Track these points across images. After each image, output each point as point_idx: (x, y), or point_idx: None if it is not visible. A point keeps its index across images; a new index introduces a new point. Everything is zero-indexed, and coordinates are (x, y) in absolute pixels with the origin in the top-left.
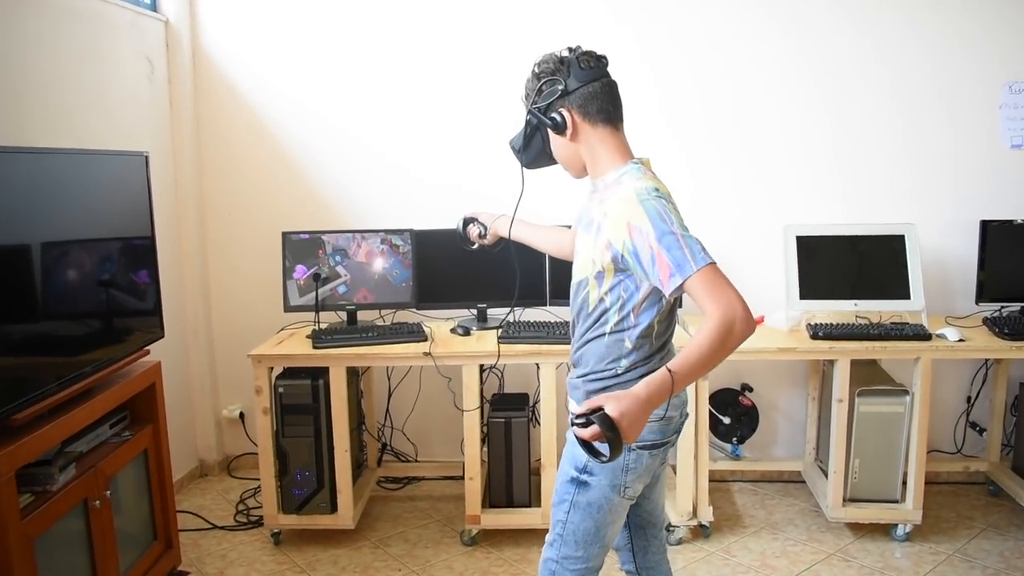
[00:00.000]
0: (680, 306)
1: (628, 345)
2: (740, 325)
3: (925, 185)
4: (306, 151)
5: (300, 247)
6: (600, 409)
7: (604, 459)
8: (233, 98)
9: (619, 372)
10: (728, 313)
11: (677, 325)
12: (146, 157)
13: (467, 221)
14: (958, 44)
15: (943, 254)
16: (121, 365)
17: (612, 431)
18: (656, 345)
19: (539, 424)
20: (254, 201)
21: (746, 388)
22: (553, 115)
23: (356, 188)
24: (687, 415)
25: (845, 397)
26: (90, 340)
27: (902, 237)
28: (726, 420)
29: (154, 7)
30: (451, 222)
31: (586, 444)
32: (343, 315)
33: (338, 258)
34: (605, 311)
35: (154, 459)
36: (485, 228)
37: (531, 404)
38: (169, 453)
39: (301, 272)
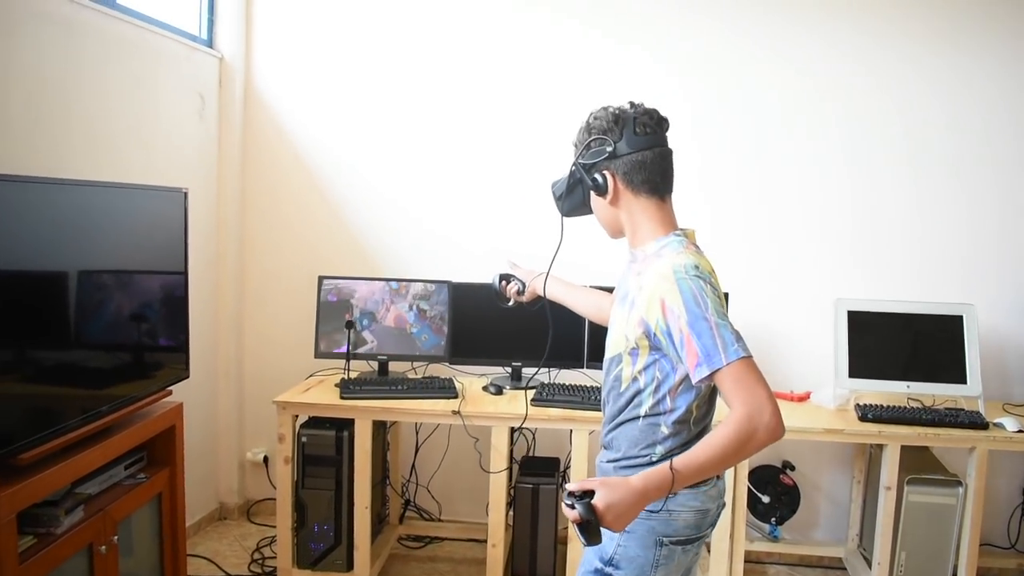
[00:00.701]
0: None
1: (664, 431)
2: (764, 433)
3: (985, 264)
4: (348, 198)
5: (331, 304)
6: (591, 493)
7: (583, 543)
8: (281, 140)
9: (653, 460)
10: (754, 417)
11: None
12: (185, 193)
13: (504, 277)
14: (1015, 113)
15: (1002, 337)
16: (142, 404)
17: (593, 521)
18: (695, 431)
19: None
20: (293, 243)
21: (787, 466)
22: (596, 175)
23: (394, 238)
24: (724, 505)
25: (894, 485)
26: (112, 375)
27: (960, 318)
28: (765, 499)
29: (210, 43)
30: (489, 276)
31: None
32: (374, 364)
33: (365, 322)
34: (639, 392)
35: (168, 503)
36: (523, 285)
37: (562, 469)
38: (184, 498)
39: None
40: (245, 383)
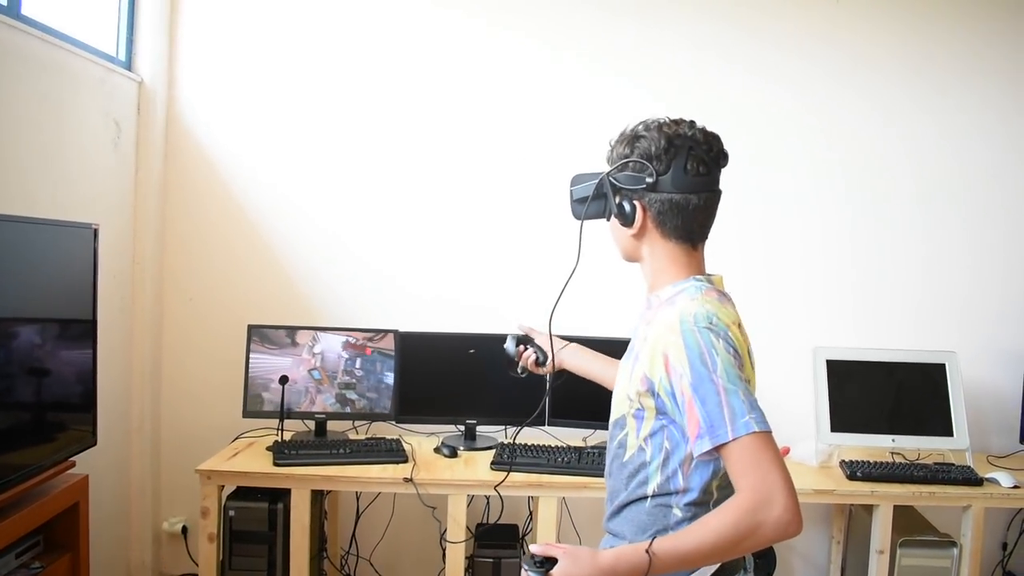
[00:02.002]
0: None
1: (677, 514)
2: (771, 529)
3: (963, 311)
4: (283, 237)
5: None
6: (553, 561)
7: None
8: (208, 172)
9: None
10: (760, 507)
11: None
12: (95, 230)
13: (520, 341)
14: (1004, 162)
15: (977, 384)
16: (39, 480)
17: None
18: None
19: None
20: (219, 287)
21: None
22: (624, 202)
23: (335, 282)
24: None
25: (887, 548)
26: (2, 442)
27: (943, 366)
28: None
29: (128, 65)
30: (439, 325)
31: None
32: (311, 424)
33: (300, 377)
34: (644, 465)
35: None
36: (544, 355)
37: (521, 536)
38: None
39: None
40: (162, 445)
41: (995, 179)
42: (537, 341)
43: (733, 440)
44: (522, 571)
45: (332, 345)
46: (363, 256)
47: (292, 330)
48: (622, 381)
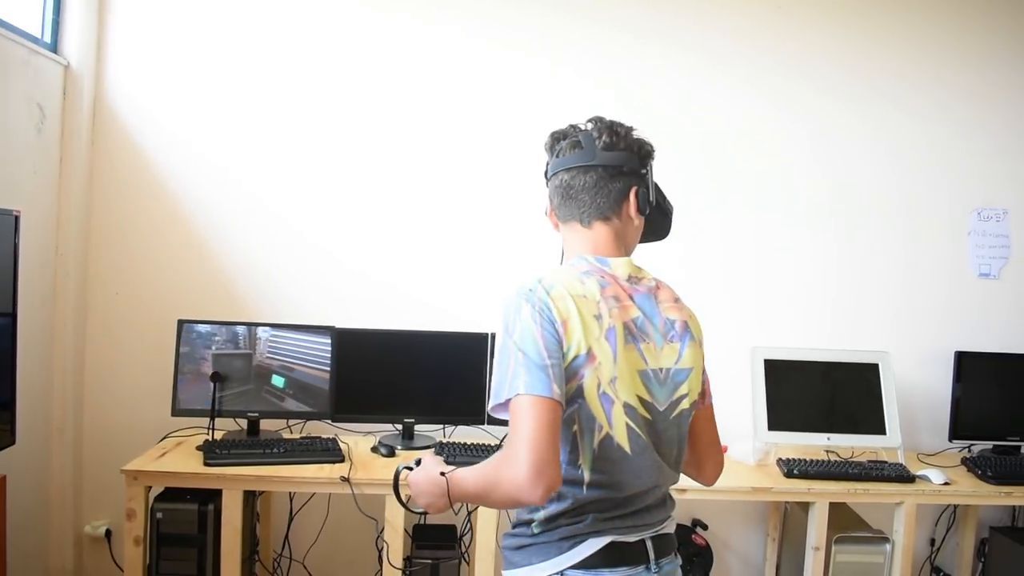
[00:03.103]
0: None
1: None
2: (507, 487)
3: (897, 313)
4: (215, 228)
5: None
6: (419, 463)
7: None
8: (136, 160)
9: (535, 531)
10: (505, 462)
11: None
12: (15, 217)
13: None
14: (932, 168)
15: (909, 384)
16: None
17: (395, 488)
18: (590, 497)
19: (469, 563)
20: (148, 280)
21: (699, 525)
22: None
23: (270, 278)
24: None
25: (823, 545)
26: None
27: (876, 366)
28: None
29: (54, 48)
30: (380, 322)
31: None
32: (243, 423)
33: (233, 374)
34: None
35: None
36: None
37: (459, 536)
38: None
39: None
40: (85, 444)
41: (927, 188)
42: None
43: (507, 400)
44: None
45: (265, 342)
46: (300, 250)
47: (224, 325)
48: None
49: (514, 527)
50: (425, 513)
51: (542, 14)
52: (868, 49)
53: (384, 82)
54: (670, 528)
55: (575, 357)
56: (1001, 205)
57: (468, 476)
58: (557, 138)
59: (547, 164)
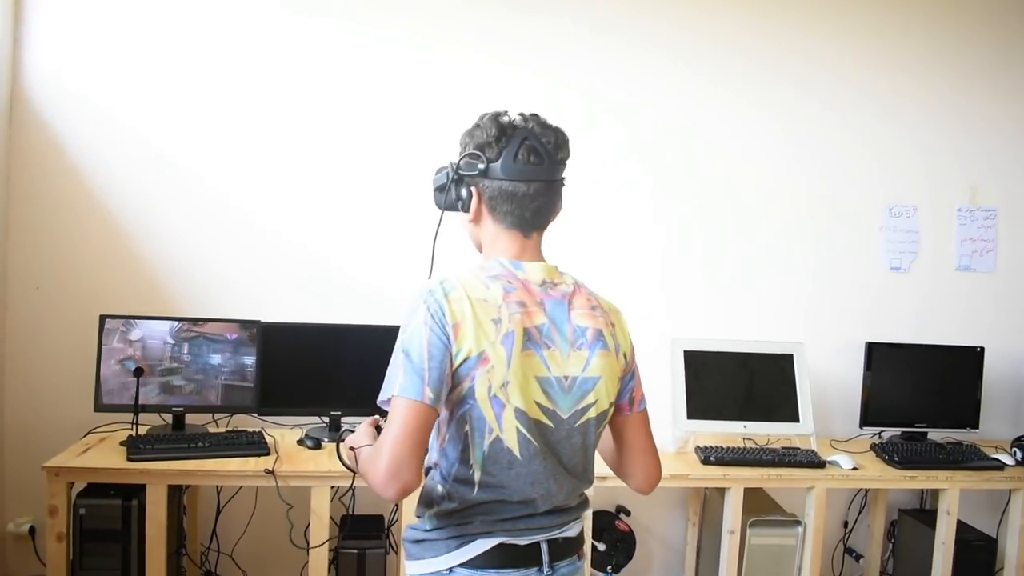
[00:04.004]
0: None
1: (439, 490)
2: (372, 480)
3: (810, 305)
4: (138, 222)
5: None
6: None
7: None
8: (56, 152)
9: (427, 527)
10: (373, 457)
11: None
12: None
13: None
14: (845, 164)
15: (823, 374)
16: None
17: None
18: (480, 499)
19: (396, 553)
20: (68, 273)
21: (622, 511)
22: (462, 188)
23: (193, 270)
24: None
25: (737, 528)
26: None
27: (791, 357)
28: (601, 546)
29: None
30: (307, 315)
31: None
32: (168, 417)
33: (156, 368)
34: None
35: None
36: None
37: (387, 527)
38: None
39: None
40: (5, 440)
41: (842, 184)
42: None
43: (388, 399)
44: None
45: (189, 336)
46: (223, 244)
47: (147, 320)
48: None
49: (415, 519)
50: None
51: (492, 10)
52: (790, 41)
53: (306, 67)
54: (572, 531)
55: (465, 359)
56: (911, 202)
57: (363, 454)
58: (503, 132)
59: (483, 152)
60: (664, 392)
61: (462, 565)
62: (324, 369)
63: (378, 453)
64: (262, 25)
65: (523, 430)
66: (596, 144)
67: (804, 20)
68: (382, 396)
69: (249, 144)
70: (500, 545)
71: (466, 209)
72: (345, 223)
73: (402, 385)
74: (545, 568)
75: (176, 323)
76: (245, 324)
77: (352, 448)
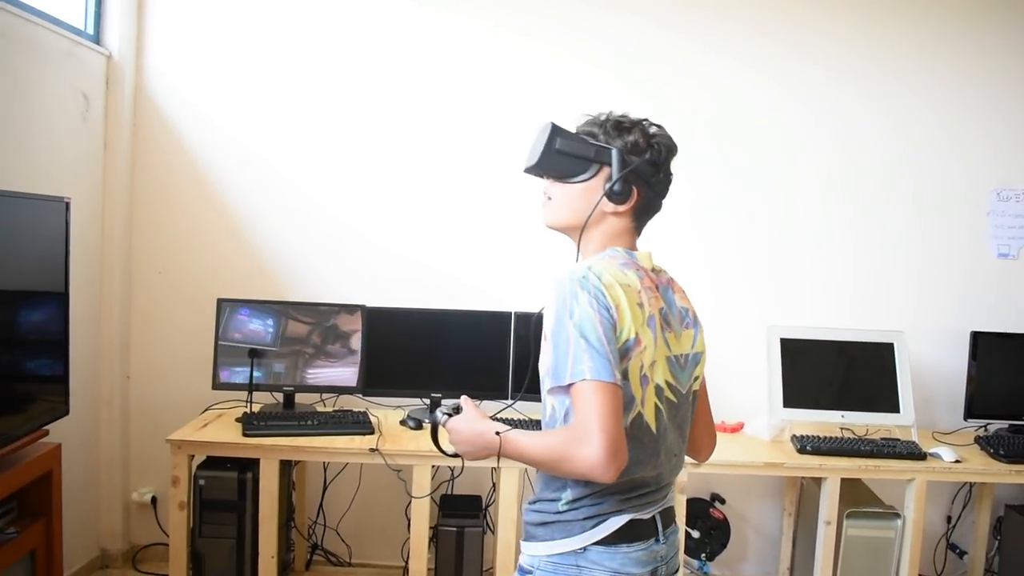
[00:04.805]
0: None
1: None
2: (580, 464)
3: (913, 292)
4: (252, 212)
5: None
6: (458, 410)
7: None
8: (176, 146)
9: (560, 509)
10: (572, 444)
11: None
12: (67, 203)
13: (454, 410)
14: (949, 148)
15: (926, 364)
16: (12, 448)
17: (438, 430)
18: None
19: (493, 533)
20: (188, 261)
21: (717, 499)
22: (622, 181)
23: (303, 258)
24: (673, 570)
25: (834, 519)
26: None
27: (891, 345)
28: (695, 534)
29: (97, 39)
30: (408, 300)
31: None
32: (279, 396)
33: (269, 350)
34: (553, 420)
35: (43, 560)
36: None
37: (484, 507)
38: (62, 552)
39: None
40: (131, 416)
41: (949, 168)
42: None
43: (569, 383)
44: (434, 413)
45: (299, 320)
46: (332, 232)
47: (261, 304)
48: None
49: (534, 502)
50: (457, 456)
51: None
52: (881, 35)
53: (414, 68)
54: (673, 501)
55: (625, 341)
56: (1021, 185)
57: (526, 443)
58: (670, 154)
59: (657, 167)
60: (760, 380)
61: (596, 544)
62: (425, 352)
63: (587, 439)
64: (361, 26)
65: (660, 406)
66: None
67: (908, 10)
68: (558, 382)
69: (354, 137)
70: (630, 521)
71: (622, 201)
72: (445, 214)
73: (593, 369)
74: (661, 537)
75: (286, 306)
76: (350, 308)
77: (498, 433)
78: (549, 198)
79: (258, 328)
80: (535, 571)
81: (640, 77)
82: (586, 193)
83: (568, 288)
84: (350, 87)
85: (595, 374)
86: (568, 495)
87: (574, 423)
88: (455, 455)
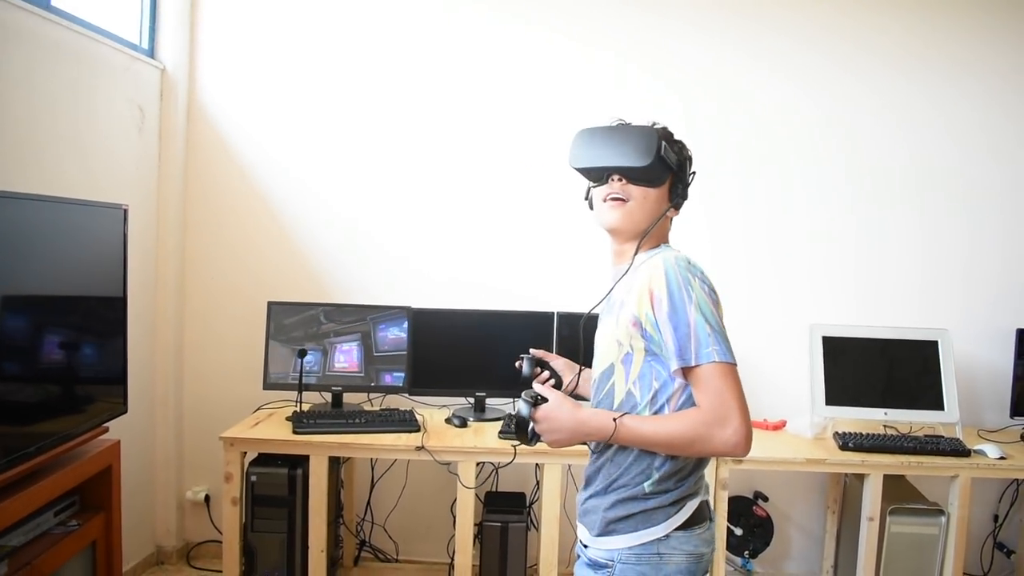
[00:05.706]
0: None
1: (661, 455)
2: (720, 445)
3: (957, 290)
4: (300, 219)
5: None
6: (541, 399)
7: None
8: (226, 156)
9: (646, 492)
10: (712, 425)
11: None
12: (125, 210)
13: (537, 363)
14: (994, 146)
15: (972, 362)
16: (74, 444)
17: (526, 422)
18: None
19: (537, 529)
20: (239, 266)
21: (760, 497)
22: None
23: (350, 262)
24: (715, 549)
25: (877, 515)
26: (41, 411)
27: (935, 343)
28: (738, 531)
29: (151, 53)
30: (449, 302)
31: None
32: (328, 396)
33: (318, 351)
34: (635, 407)
35: (103, 552)
36: (559, 378)
37: (528, 504)
38: (121, 545)
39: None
40: (185, 415)
41: (992, 165)
42: (555, 366)
43: (696, 365)
44: (518, 402)
45: (347, 321)
46: (377, 237)
47: (309, 306)
48: (607, 335)
49: (612, 486)
50: (538, 440)
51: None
52: (929, 37)
53: (456, 75)
54: None
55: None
56: None
57: (647, 427)
58: (687, 147)
59: (687, 161)
60: (802, 377)
61: (678, 529)
62: (469, 352)
63: (727, 419)
64: (403, 35)
65: None
66: (717, 130)
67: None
68: (684, 363)
69: (399, 145)
70: (702, 503)
71: (678, 203)
72: (488, 218)
73: (720, 351)
74: (714, 517)
75: (334, 309)
76: (397, 310)
77: (616, 421)
78: (625, 200)
79: (307, 329)
80: (615, 564)
81: (675, 78)
82: (660, 198)
83: (680, 273)
84: (394, 95)
85: (723, 356)
86: (655, 478)
87: (708, 405)
88: (535, 442)
